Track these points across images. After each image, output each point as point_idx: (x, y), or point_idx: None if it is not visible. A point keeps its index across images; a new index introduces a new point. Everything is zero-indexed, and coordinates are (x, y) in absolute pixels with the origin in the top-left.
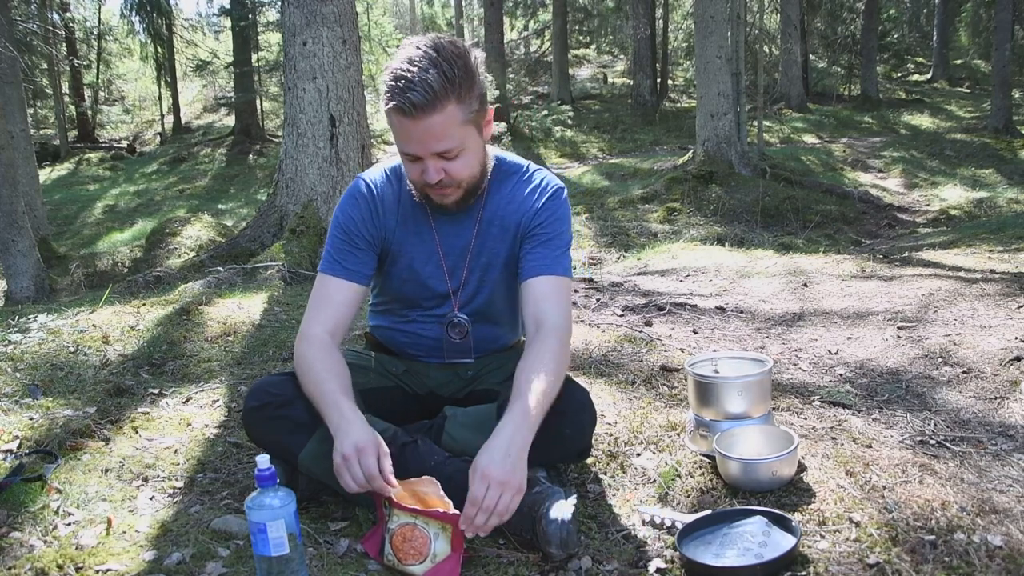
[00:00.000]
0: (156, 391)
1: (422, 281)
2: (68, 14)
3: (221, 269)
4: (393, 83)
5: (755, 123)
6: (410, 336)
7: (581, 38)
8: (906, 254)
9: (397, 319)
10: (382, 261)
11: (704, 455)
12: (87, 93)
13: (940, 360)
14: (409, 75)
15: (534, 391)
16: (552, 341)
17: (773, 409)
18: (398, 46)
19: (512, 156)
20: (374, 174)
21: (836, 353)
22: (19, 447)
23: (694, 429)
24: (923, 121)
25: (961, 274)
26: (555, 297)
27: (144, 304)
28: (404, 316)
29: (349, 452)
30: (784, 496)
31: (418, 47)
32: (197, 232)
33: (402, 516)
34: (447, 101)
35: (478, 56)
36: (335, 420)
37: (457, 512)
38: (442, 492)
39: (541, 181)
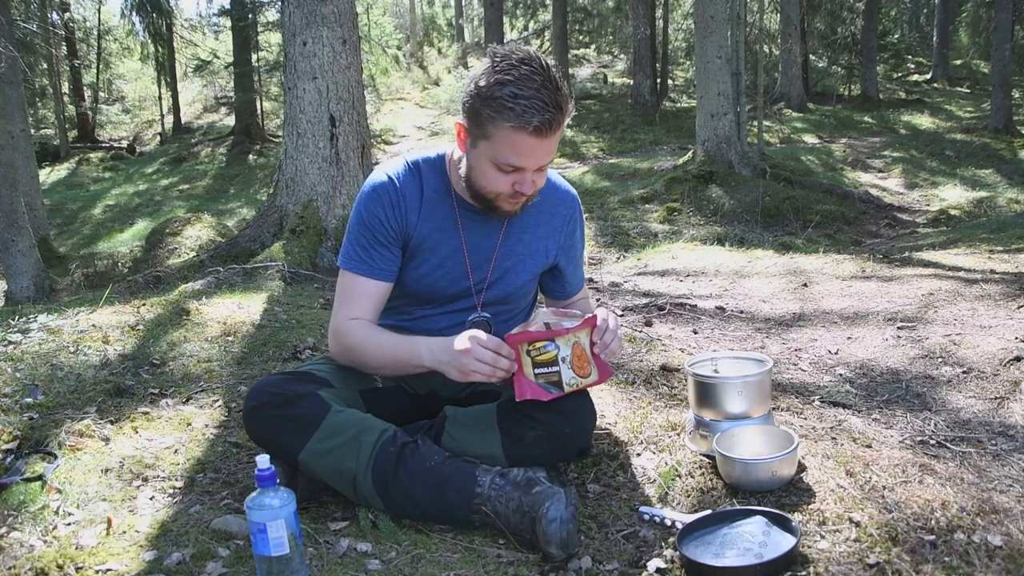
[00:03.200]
0: (156, 391)
1: (446, 277)
2: (68, 14)
3: (221, 269)
4: (524, 102)
5: (755, 123)
6: (418, 334)
7: (581, 38)
8: (906, 254)
9: (404, 317)
10: (402, 254)
11: (704, 455)
12: (87, 93)
13: (940, 360)
14: (540, 94)
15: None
16: None
17: (773, 409)
18: (399, 47)
19: None
20: (396, 167)
21: (836, 353)
22: (19, 447)
23: (694, 429)
24: (923, 121)
25: (961, 274)
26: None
27: (144, 304)
28: (410, 314)
29: (463, 346)
30: (784, 496)
31: (525, 63)
32: (197, 232)
33: (571, 338)
34: (565, 120)
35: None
36: (421, 346)
37: (594, 315)
38: (550, 315)
39: (567, 191)
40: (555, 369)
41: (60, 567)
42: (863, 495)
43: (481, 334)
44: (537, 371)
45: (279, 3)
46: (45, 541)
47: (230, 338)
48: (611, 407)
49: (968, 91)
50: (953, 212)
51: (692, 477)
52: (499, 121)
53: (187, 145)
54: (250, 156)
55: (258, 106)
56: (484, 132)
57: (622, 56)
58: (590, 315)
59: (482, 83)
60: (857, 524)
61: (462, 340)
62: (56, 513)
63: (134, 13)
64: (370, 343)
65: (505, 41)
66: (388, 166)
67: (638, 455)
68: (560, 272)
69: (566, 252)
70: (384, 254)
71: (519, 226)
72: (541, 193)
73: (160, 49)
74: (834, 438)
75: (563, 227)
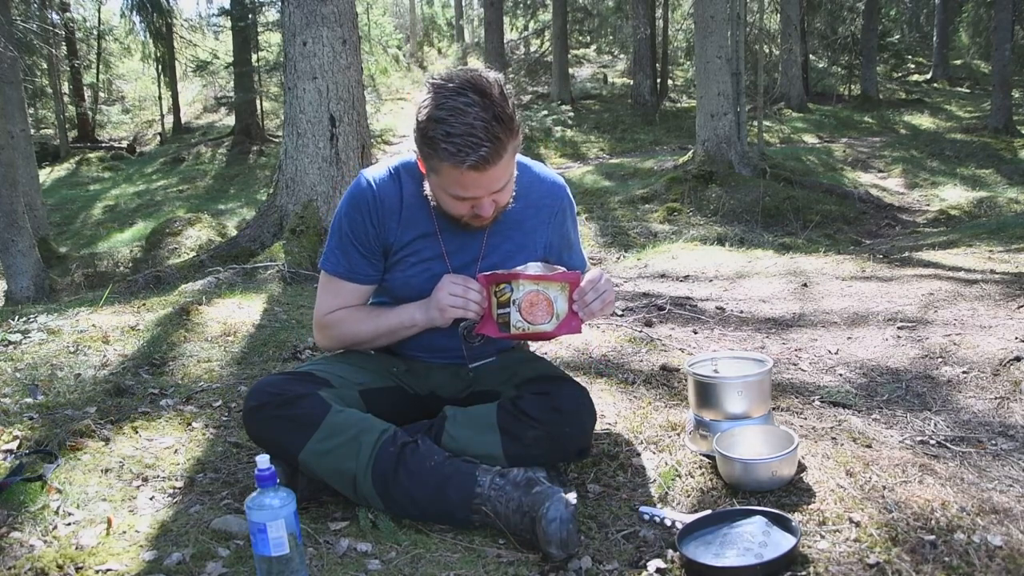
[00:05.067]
0: (156, 391)
1: (430, 281)
2: (68, 14)
3: (221, 269)
4: (457, 140)
5: (755, 123)
6: (414, 337)
7: (581, 38)
8: (906, 254)
9: None
10: (384, 260)
11: (704, 455)
12: (87, 93)
13: (940, 360)
14: (473, 130)
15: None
16: None
17: (773, 409)
18: (399, 47)
19: None
20: (378, 172)
21: (836, 353)
22: (19, 447)
23: (694, 429)
24: (923, 121)
25: (961, 274)
26: None
27: (144, 304)
28: None
29: (440, 283)
30: (784, 496)
31: (461, 93)
32: (197, 232)
33: (527, 285)
34: (508, 144)
35: (502, 80)
36: (411, 308)
37: (577, 272)
38: (540, 268)
39: (552, 181)
40: (507, 311)
41: (60, 567)
42: (863, 495)
43: (454, 276)
44: (499, 311)
45: (279, 3)
46: (45, 541)
47: (230, 338)
48: (611, 407)
49: (968, 91)
50: (953, 212)
51: (692, 477)
52: (436, 160)
53: (187, 145)
54: (250, 156)
55: (258, 106)
56: (430, 166)
57: (622, 56)
58: (572, 271)
59: (421, 118)
60: (857, 524)
61: (435, 288)
62: (56, 513)
63: (134, 13)
64: (361, 323)
65: (505, 41)
66: (371, 171)
67: (638, 455)
68: (556, 257)
69: (558, 242)
70: (366, 261)
71: (505, 224)
72: (526, 187)
73: (160, 49)
74: (834, 438)
75: (551, 219)
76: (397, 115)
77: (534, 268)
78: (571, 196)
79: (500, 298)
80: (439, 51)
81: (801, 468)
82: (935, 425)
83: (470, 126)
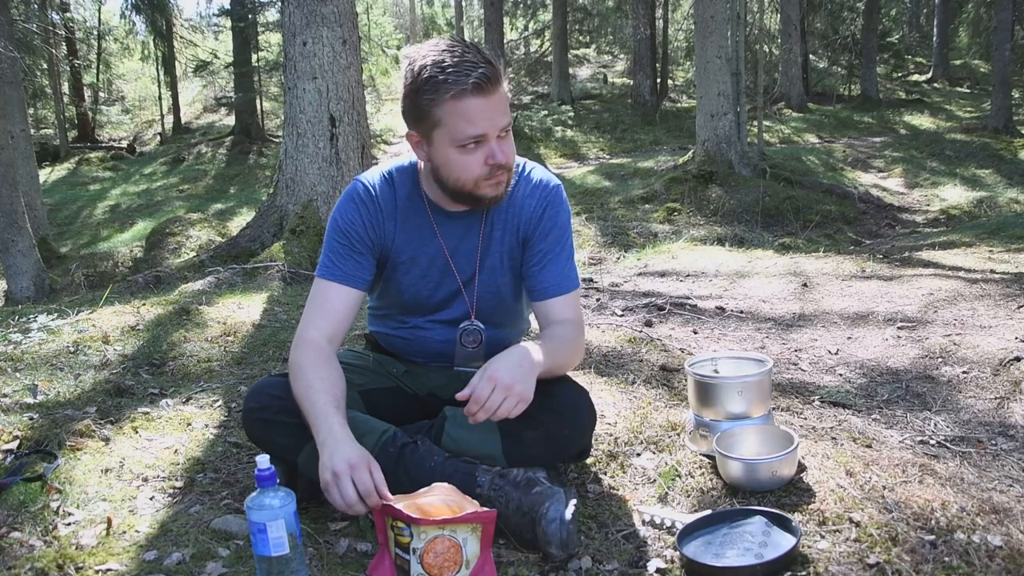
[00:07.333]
0: (156, 391)
1: (428, 285)
2: (68, 14)
3: (221, 269)
4: (454, 68)
5: (755, 123)
6: (412, 343)
7: (581, 38)
8: (906, 254)
9: (397, 324)
10: (381, 267)
11: (704, 455)
12: (87, 93)
13: (940, 360)
14: (466, 58)
15: (544, 343)
16: (559, 327)
17: (773, 409)
18: (399, 47)
19: None
20: (372, 176)
21: (836, 353)
22: (19, 447)
23: (694, 429)
24: (923, 121)
25: (961, 274)
26: (565, 308)
27: (144, 304)
28: (404, 322)
29: (340, 468)
30: (784, 496)
31: (439, 44)
32: (197, 232)
33: (429, 531)
34: (503, 77)
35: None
36: (323, 435)
37: (492, 510)
38: (447, 497)
39: (540, 181)
40: (406, 558)
41: (60, 567)
42: (863, 495)
43: (363, 473)
44: (397, 550)
45: (279, 3)
46: (45, 541)
47: (230, 338)
48: (611, 407)
49: (968, 91)
50: (953, 212)
51: (692, 477)
52: (439, 99)
53: (187, 145)
54: (250, 156)
55: (258, 106)
56: (433, 121)
57: (622, 56)
58: (485, 510)
59: (408, 79)
60: (857, 524)
61: (343, 463)
62: (56, 513)
63: (134, 13)
64: (303, 379)
65: (505, 41)
66: (365, 176)
67: (638, 455)
68: (528, 269)
69: (533, 243)
70: (359, 261)
71: (492, 221)
72: (517, 183)
73: (160, 49)
74: (834, 438)
75: (532, 214)
76: (397, 115)
77: (442, 490)
78: (564, 198)
79: (399, 537)
80: None
81: (801, 468)
82: (935, 425)
83: (462, 56)
